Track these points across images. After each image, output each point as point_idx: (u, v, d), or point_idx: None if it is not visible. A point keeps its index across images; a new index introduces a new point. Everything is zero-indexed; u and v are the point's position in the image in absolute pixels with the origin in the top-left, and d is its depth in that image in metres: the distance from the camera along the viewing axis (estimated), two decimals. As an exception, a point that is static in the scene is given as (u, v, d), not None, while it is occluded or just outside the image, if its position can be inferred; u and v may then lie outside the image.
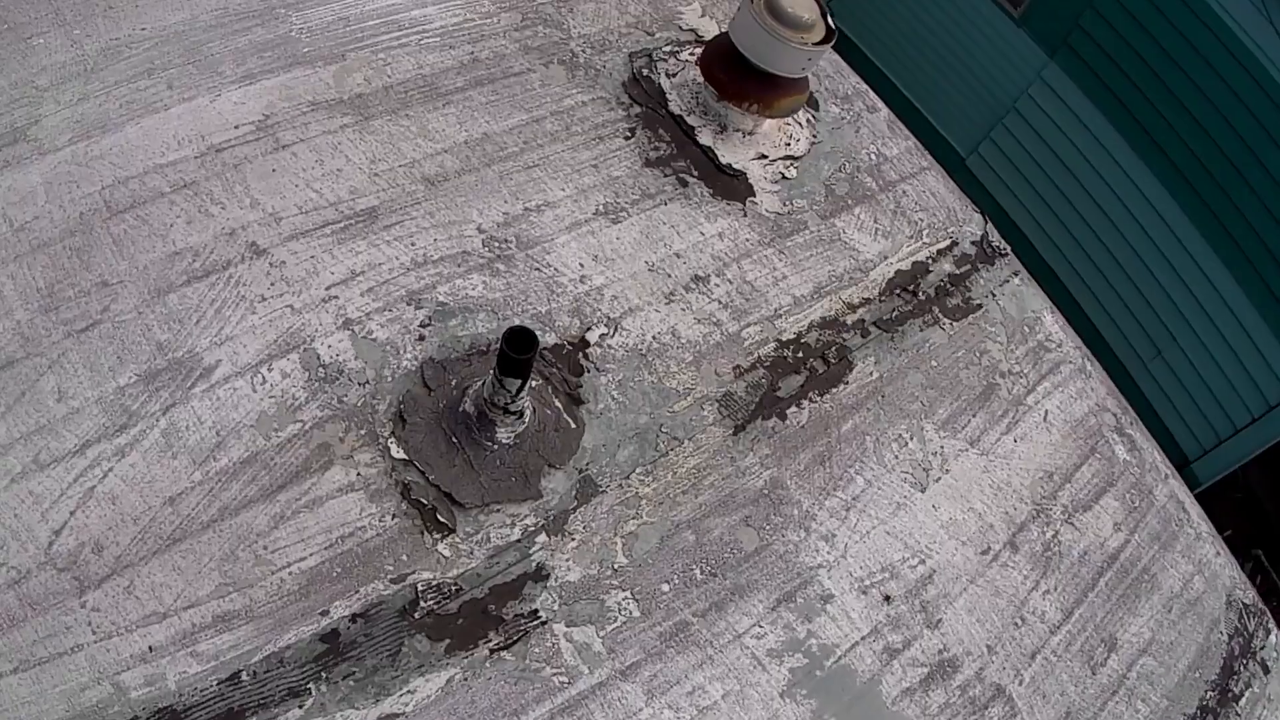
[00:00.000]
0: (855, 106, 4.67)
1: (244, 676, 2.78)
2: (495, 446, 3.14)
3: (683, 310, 3.67)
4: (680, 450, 3.40)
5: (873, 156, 4.51)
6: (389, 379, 3.23)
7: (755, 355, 3.70)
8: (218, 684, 2.74)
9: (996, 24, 10.70)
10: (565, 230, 3.69)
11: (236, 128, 3.59)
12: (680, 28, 4.51)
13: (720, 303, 3.75)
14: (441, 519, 3.07)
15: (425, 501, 3.08)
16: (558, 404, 3.31)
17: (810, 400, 3.73)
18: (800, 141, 4.42)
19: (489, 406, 3.06)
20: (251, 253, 3.37)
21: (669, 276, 3.73)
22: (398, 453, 3.12)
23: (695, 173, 4.07)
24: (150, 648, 2.76)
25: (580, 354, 3.43)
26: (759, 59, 3.96)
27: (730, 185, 4.12)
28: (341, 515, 3.05)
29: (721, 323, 3.71)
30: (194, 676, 2.74)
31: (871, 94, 4.86)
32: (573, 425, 3.29)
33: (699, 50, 4.33)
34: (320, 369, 3.22)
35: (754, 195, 4.15)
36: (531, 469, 3.17)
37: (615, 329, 3.52)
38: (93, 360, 3.16)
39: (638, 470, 3.31)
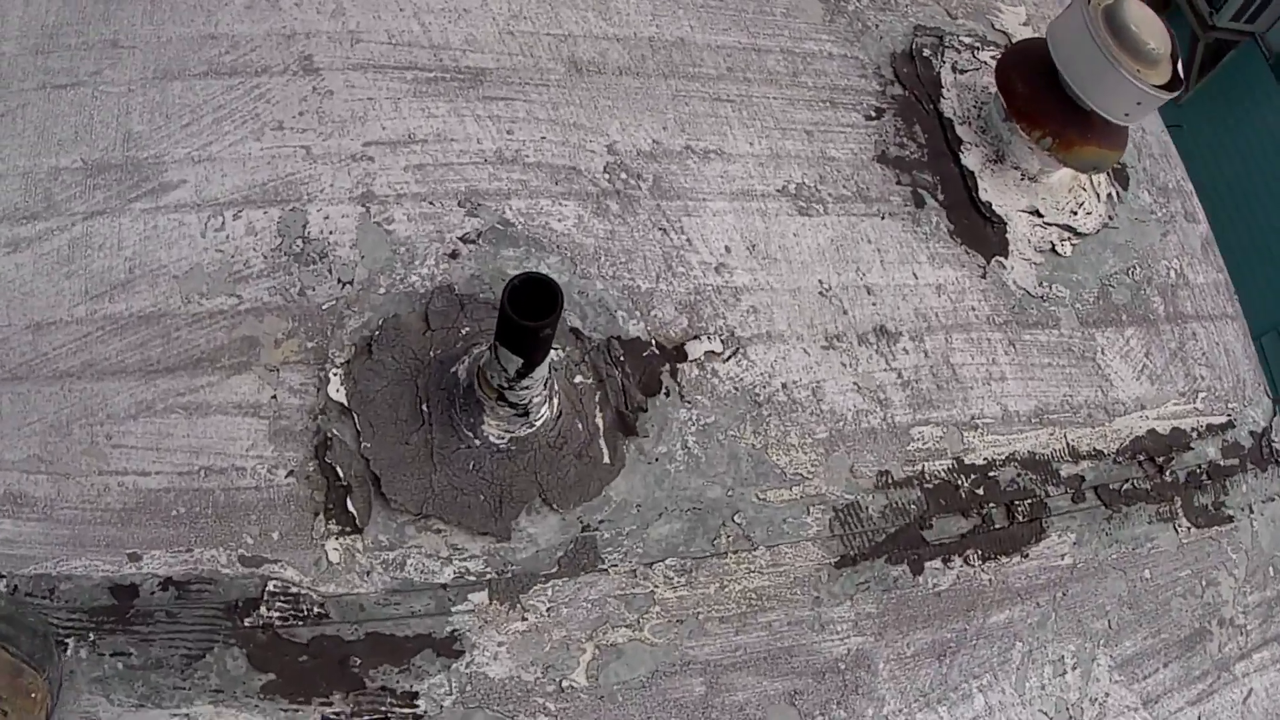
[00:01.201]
0: (1172, 206, 3.25)
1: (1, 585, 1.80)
2: (477, 443, 1.98)
3: (844, 366, 2.40)
4: (747, 558, 2.15)
5: (1173, 274, 3.08)
6: (380, 291, 2.12)
7: (918, 468, 2.40)
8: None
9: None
10: (728, 195, 2.48)
11: (370, -85, 2.54)
12: (991, 25, 3.20)
13: (901, 376, 2.46)
14: (351, 508, 1.94)
15: (341, 475, 1.96)
16: (599, 420, 2.11)
17: (966, 561, 2.40)
18: (1091, 216, 3.05)
19: (483, 383, 1.90)
20: (301, 67, 2.31)
21: (844, 313, 2.47)
22: (338, 392, 2.01)
23: (941, 196, 2.78)
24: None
25: (668, 367, 2.22)
26: (1076, 81, 2.64)
27: (979, 231, 2.80)
28: (223, 441, 1.97)
29: (890, 404, 2.42)
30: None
31: (1195, 199, 3.41)
32: (606, 459, 2.09)
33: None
34: (299, 241, 2.13)
35: (1005, 256, 2.82)
36: (514, 494, 2.00)
37: (736, 353, 2.30)
38: (46, 125, 2.19)
39: (670, 560, 2.09)
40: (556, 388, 2.02)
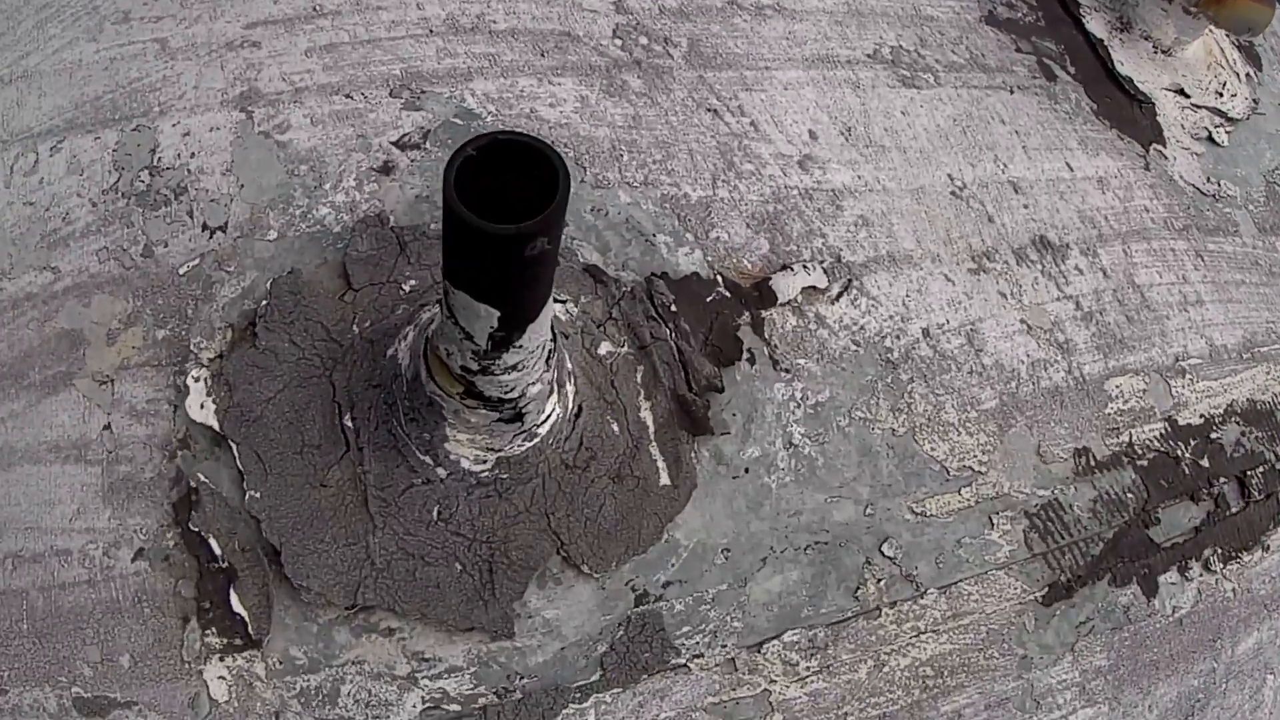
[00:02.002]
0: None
1: None
2: (440, 473, 1.12)
3: (1004, 297, 1.53)
4: (912, 611, 1.29)
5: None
6: (270, 236, 1.25)
7: (1123, 438, 1.53)
8: None
9: None
10: (800, 62, 1.60)
11: None
12: None
13: (1080, 306, 1.59)
14: (239, 606, 1.09)
15: (217, 550, 1.11)
16: (646, 414, 1.23)
17: (1206, 566, 1.53)
18: (1238, 100, 2.18)
19: (436, 368, 1.05)
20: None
21: (989, 220, 1.59)
22: (204, 410, 1.15)
23: (1072, 69, 1.91)
24: None
25: (748, 316, 1.34)
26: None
27: (1126, 112, 1.93)
28: (34, 507, 1.14)
29: (1074, 347, 1.55)
30: None
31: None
32: (663, 477, 1.22)
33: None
34: (145, 174, 1.28)
35: (1163, 145, 1.96)
36: (513, 555, 1.13)
37: (850, 287, 1.43)
38: None
39: (791, 634, 1.21)
40: (570, 366, 1.18)
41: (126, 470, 1.17)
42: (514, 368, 1.00)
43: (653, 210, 1.35)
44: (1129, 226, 1.79)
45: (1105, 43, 2.11)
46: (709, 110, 1.46)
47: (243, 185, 1.28)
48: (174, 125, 1.33)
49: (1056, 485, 1.46)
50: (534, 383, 1.04)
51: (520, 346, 0.97)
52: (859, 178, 1.49)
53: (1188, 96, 2.24)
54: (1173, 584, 1.50)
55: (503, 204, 0.87)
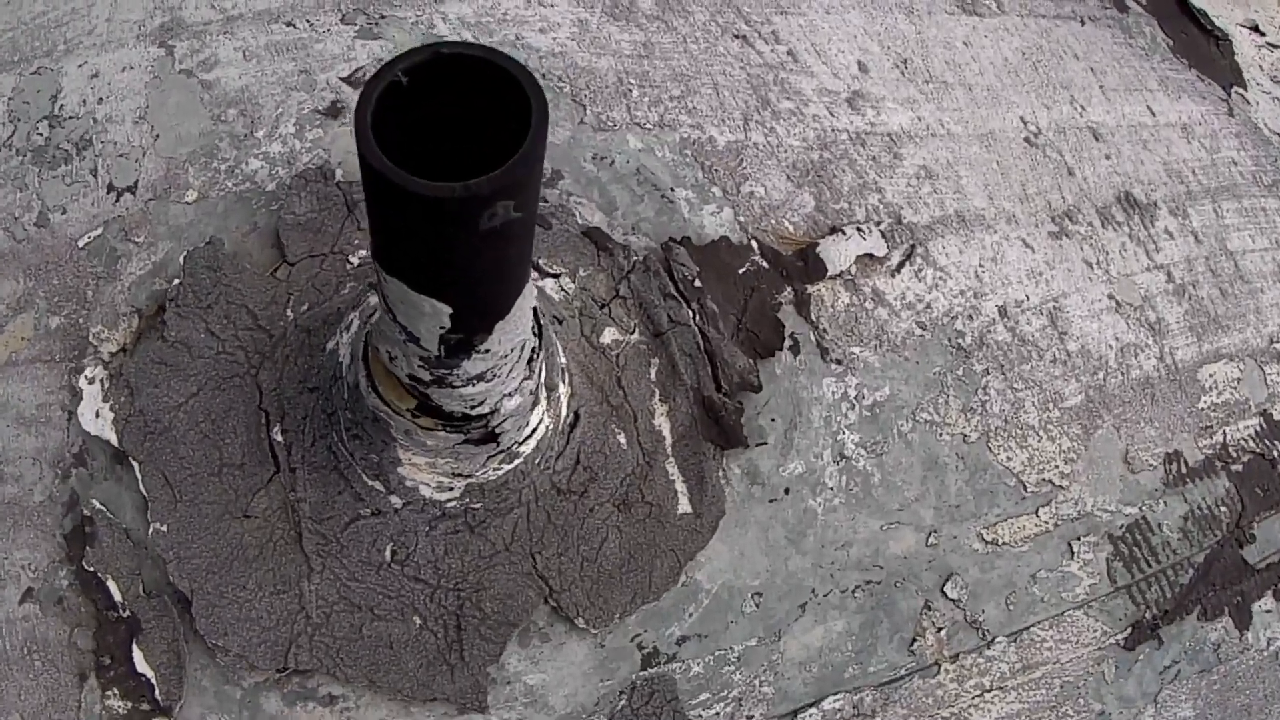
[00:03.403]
0: None
1: None
2: (394, 503, 0.83)
3: (1089, 266, 1.21)
4: (977, 665, 0.99)
5: None
6: (189, 198, 0.95)
7: (1217, 438, 1.22)
8: None
9: None
10: (849, -17, 1.29)
11: None
12: None
13: (1171, 278, 1.27)
14: (144, 665, 0.81)
15: (118, 594, 0.83)
16: (662, 420, 0.93)
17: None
18: None
19: (375, 375, 0.76)
20: None
21: (1069, 173, 1.27)
22: (100, 419, 0.86)
23: (1143, 1, 1.57)
24: None
25: (790, 292, 1.04)
26: None
27: (1203, 50, 1.60)
28: None
29: (1165, 328, 1.23)
30: None
31: None
32: (682, 503, 0.93)
33: None
34: (44, 126, 0.98)
35: (1243, 87, 1.63)
36: (487, 608, 0.84)
37: (913, 255, 1.12)
38: None
39: (834, 700, 0.91)
40: (564, 361, 0.88)
41: (12, 491, 0.88)
42: (480, 377, 0.70)
43: (670, 158, 1.03)
44: (1218, 182, 1.46)
45: (1175, -32, 1.78)
46: (736, 36, 1.14)
47: (158, 136, 0.98)
48: (80, 66, 1.03)
49: (1145, 500, 1.15)
50: (511, 394, 0.74)
51: (486, 351, 0.67)
52: (919, 119, 1.17)
53: (1263, 34, 1.91)
54: (1268, 612, 1.19)
55: (454, 157, 0.58)
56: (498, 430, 0.76)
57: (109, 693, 0.84)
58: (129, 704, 0.84)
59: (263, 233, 0.95)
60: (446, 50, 0.53)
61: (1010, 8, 1.42)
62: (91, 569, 0.85)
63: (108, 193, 0.96)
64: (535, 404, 0.79)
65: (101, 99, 1.01)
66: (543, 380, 0.81)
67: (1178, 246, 1.32)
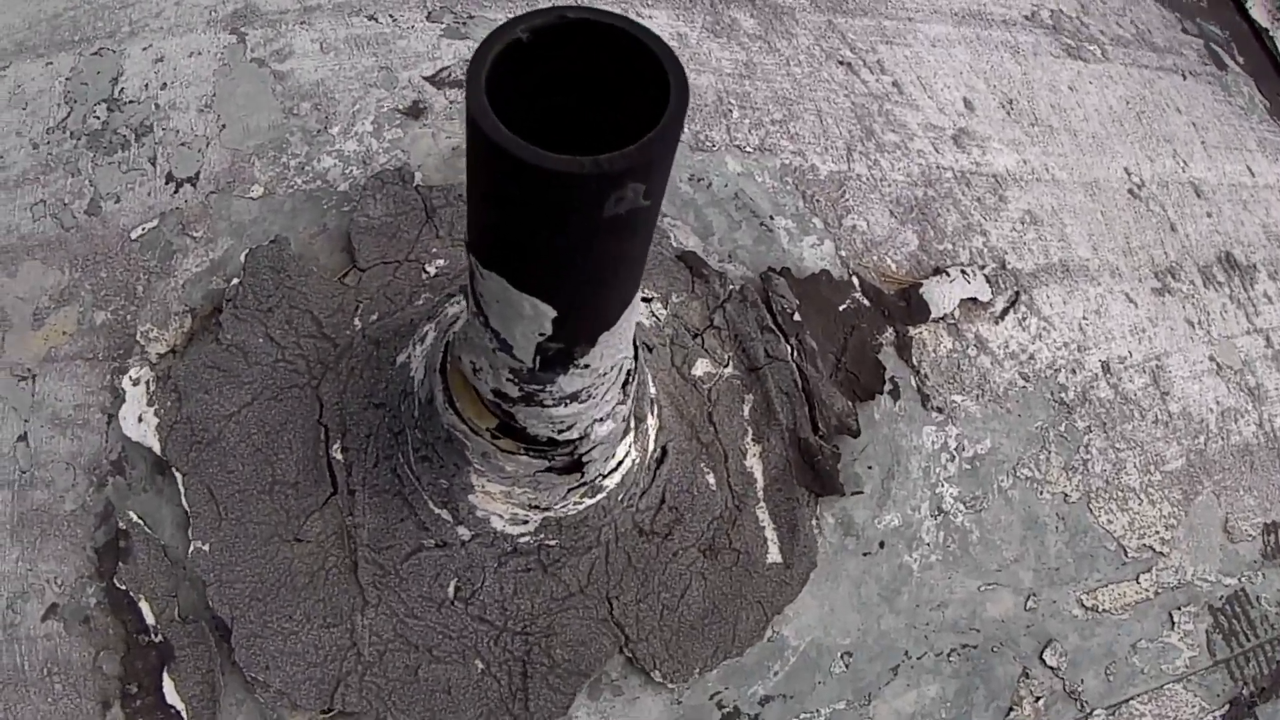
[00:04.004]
0: None
1: None
2: (463, 534, 0.74)
3: (1191, 326, 1.12)
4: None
5: None
6: (254, 193, 0.86)
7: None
8: None
9: None
10: (949, 17, 1.19)
11: None
12: None
13: (1270, 342, 1.18)
14: (175, 697, 0.71)
15: (152, 617, 0.73)
16: (754, 462, 0.84)
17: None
18: None
19: (456, 391, 0.67)
20: None
21: (1172, 229, 1.18)
22: (142, 425, 0.77)
23: (1240, 58, 1.49)
24: None
25: (892, 333, 0.95)
26: None
27: (1306, 112, 1.53)
28: None
29: (1265, 394, 1.13)
30: None
31: None
32: (772, 553, 0.83)
33: None
34: (103, 109, 0.90)
35: (1340, 162, 1.54)
36: (556, 655, 0.74)
37: (1017, 301, 1.03)
38: None
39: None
40: (654, 392, 0.79)
41: (42, 498, 0.79)
42: (574, 397, 0.61)
43: (770, 185, 0.94)
44: (1312, 246, 1.37)
45: (1269, 33, 1.70)
46: (841, 63, 1.05)
47: (224, 126, 0.90)
48: (145, 49, 0.95)
49: (1244, 571, 1.05)
50: (603, 419, 0.65)
51: (585, 367, 0.58)
52: (1024, 162, 1.08)
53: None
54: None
55: (572, 132, 0.50)
56: (585, 459, 0.67)
57: (135, 726, 0.74)
58: (156, 739, 0.74)
59: (332, 235, 0.86)
60: (573, 15, 0.45)
61: (1115, 55, 1.34)
62: (123, 587, 0.76)
63: (166, 183, 0.88)
64: (625, 433, 0.70)
65: (165, 84, 0.93)
66: (633, 409, 0.71)
67: (1276, 311, 1.23)
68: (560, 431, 0.64)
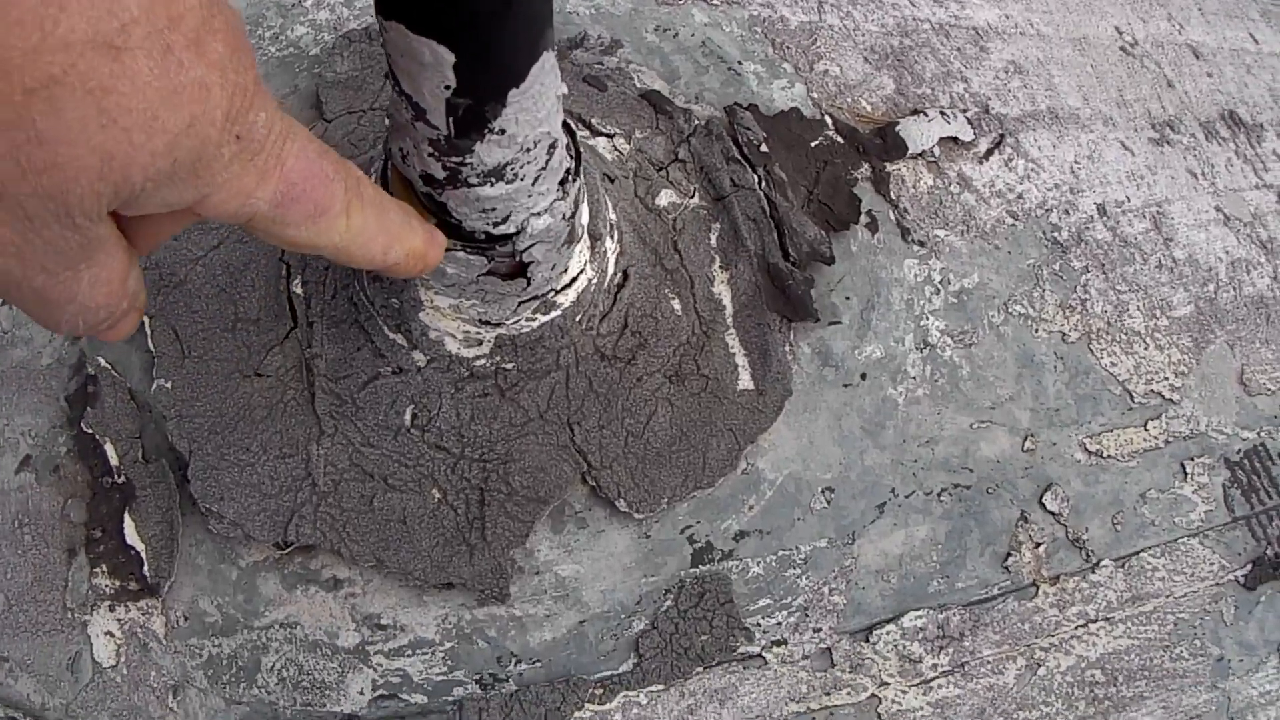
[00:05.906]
0: None
1: None
2: (417, 359, 0.65)
3: (1194, 176, 0.98)
4: (1079, 590, 0.77)
5: None
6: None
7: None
8: None
9: None
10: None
11: None
12: None
13: (1275, 191, 1.05)
14: (135, 537, 0.64)
15: (115, 457, 0.66)
16: (722, 288, 0.74)
17: None
18: None
19: (393, 193, 0.59)
20: None
21: (1169, 85, 1.04)
22: (91, 268, 0.72)
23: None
24: None
25: (868, 169, 0.83)
26: None
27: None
28: None
29: (1277, 246, 1.01)
30: None
31: None
32: (743, 379, 0.72)
33: None
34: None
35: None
36: (514, 483, 0.65)
37: (1002, 143, 0.91)
38: None
39: (912, 617, 0.71)
40: (613, 216, 0.70)
41: (21, 355, 0.73)
42: (498, 175, 0.52)
43: (738, 34, 0.85)
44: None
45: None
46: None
47: None
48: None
49: (1264, 426, 0.92)
50: (538, 211, 0.57)
51: (502, 132, 0.49)
52: (1006, 17, 0.96)
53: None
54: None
55: None
56: (526, 259, 0.58)
57: (97, 569, 0.67)
58: (116, 582, 0.67)
59: (302, 94, 0.79)
60: None
61: (1101, -67, 1.22)
62: (90, 431, 0.70)
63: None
64: (572, 240, 0.61)
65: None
66: (583, 221, 0.63)
67: (1281, 174, 1.09)
68: (495, 224, 0.56)
